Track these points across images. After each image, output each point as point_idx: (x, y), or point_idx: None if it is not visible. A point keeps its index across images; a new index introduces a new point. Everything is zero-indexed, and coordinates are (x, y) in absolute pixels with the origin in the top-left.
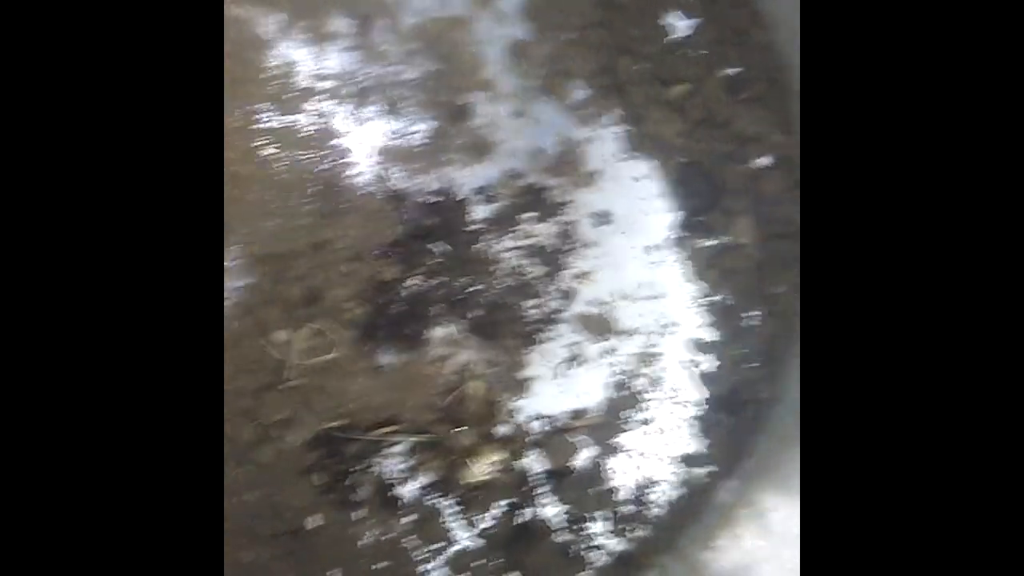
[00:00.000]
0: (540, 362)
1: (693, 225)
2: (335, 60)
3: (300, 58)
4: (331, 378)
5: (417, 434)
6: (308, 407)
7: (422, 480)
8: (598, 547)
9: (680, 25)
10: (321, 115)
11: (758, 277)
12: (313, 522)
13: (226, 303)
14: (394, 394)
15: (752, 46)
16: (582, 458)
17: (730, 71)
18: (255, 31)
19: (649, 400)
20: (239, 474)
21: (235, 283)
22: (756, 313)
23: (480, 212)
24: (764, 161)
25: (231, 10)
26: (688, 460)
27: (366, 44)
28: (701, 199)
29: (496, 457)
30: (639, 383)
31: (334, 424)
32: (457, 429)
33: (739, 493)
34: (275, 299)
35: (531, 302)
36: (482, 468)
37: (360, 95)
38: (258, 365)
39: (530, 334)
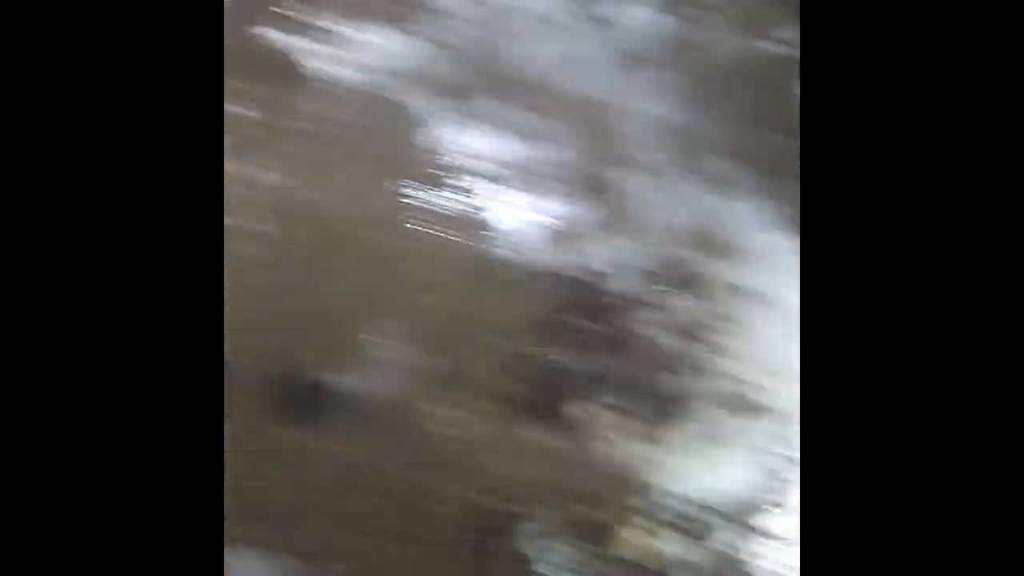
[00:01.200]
0: (679, 438)
1: None
2: (484, 139)
3: (451, 137)
4: (479, 451)
5: (559, 509)
6: (457, 479)
7: (562, 559)
8: None
9: None
10: (469, 192)
11: None
12: None
13: (387, 375)
14: (536, 468)
15: None
16: (718, 539)
17: None
18: (408, 112)
19: (787, 482)
20: (390, 542)
21: (395, 356)
22: None
23: (623, 287)
24: None
25: (390, 95)
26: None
27: (511, 122)
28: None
29: (644, 537)
30: (778, 464)
31: (481, 496)
32: (597, 506)
33: None
34: (426, 372)
35: (671, 377)
36: (634, 544)
37: (508, 172)
38: (410, 436)
39: (670, 410)
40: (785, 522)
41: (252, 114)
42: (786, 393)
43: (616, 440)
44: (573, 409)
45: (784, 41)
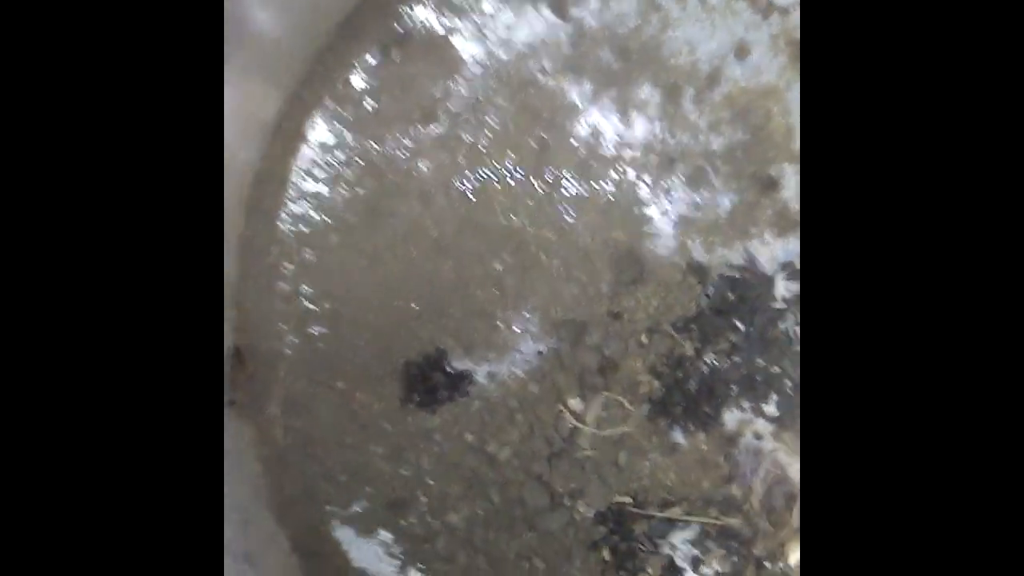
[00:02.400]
0: None
1: None
2: (642, 129)
3: (607, 126)
4: (624, 451)
5: (709, 518)
6: (600, 479)
7: (713, 567)
8: None
9: None
10: (626, 183)
11: None
12: None
13: (524, 366)
14: (686, 474)
15: None
16: None
17: None
18: (566, 99)
19: None
20: (529, 538)
21: (533, 347)
22: None
23: (788, 288)
24: None
25: (543, 79)
26: None
27: (674, 113)
28: None
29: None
30: None
31: (625, 499)
32: (752, 519)
33: None
34: (572, 365)
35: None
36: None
37: (666, 164)
38: (553, 431)
39: None
40: None
41: (398, 93)
42: None
43: (775, 452)
44: (729, 416)
45: None
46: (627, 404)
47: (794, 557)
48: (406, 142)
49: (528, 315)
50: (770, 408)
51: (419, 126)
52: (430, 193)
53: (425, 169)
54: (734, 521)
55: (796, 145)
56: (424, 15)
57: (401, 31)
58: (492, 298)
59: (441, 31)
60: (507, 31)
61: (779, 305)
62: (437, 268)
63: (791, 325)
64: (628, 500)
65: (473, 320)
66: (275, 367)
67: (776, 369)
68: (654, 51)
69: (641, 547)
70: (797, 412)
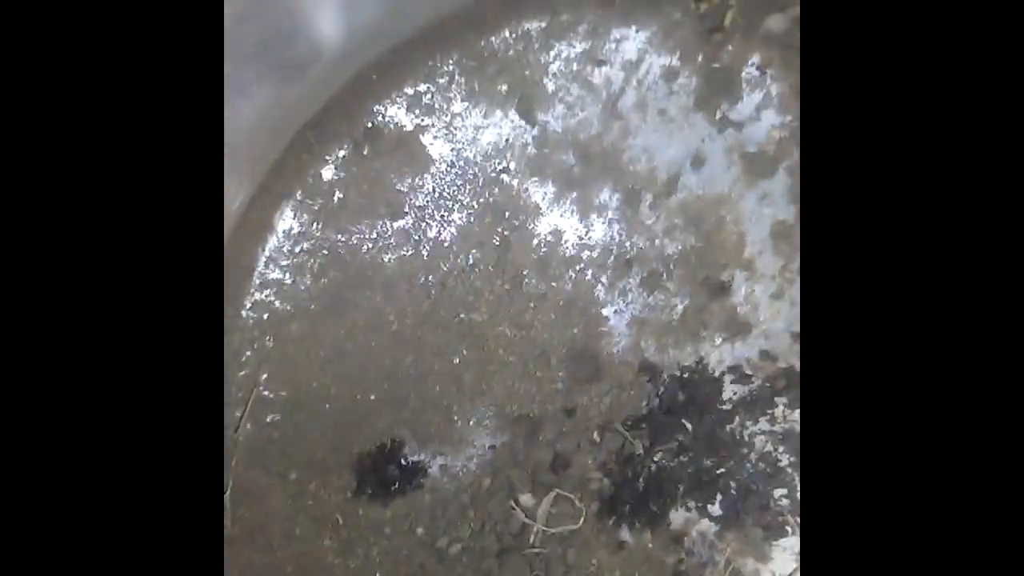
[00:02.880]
0: (786, 556)
1: None
2: (600, 231)
3: (568, 227)
4: (572, 549)
5: None
6: (549, 574)
7: None
8: None
9: None
10: (583, 283)
11: None
12: None
13: (478, 460)
14: (632, 572)
15: None
16: None
17: None
18: (529, 199)
19: None
20: None
21: (487, 441)
22: None
23: (735, 391)
24: None
25: (507, 180)
26: None
27: (632, 217)
28: None
29: None
30: None
31: None
32: None
33: None
34: (525, 461)
35: (781, 491)
36: None
37: (622, 266)
38: (504, 526)
39: (779, 525)
40: None
41: (366, 187)
42: None
43: (719, 551)
44: (676, 515)
45: None
46: (577, 502)
47: None
48: (372, 235)
49: (484, 409)
50: (715, 508)
51: (385, 219)
52: (393, 286)
53: (389, 262)
54: None
55: (747, 252)
56: (395, 112)
57: (372, 127)
58: (449, 392)
59: (411, 128)
60: (475, 132)
61: (726, 407)
62: (397, 360)
63: (737, 427)
64: None
65: (430, 413)
66: (227, 455)
67: (721, 470)
68: (614, 157)
69: None
70: (740, 511)
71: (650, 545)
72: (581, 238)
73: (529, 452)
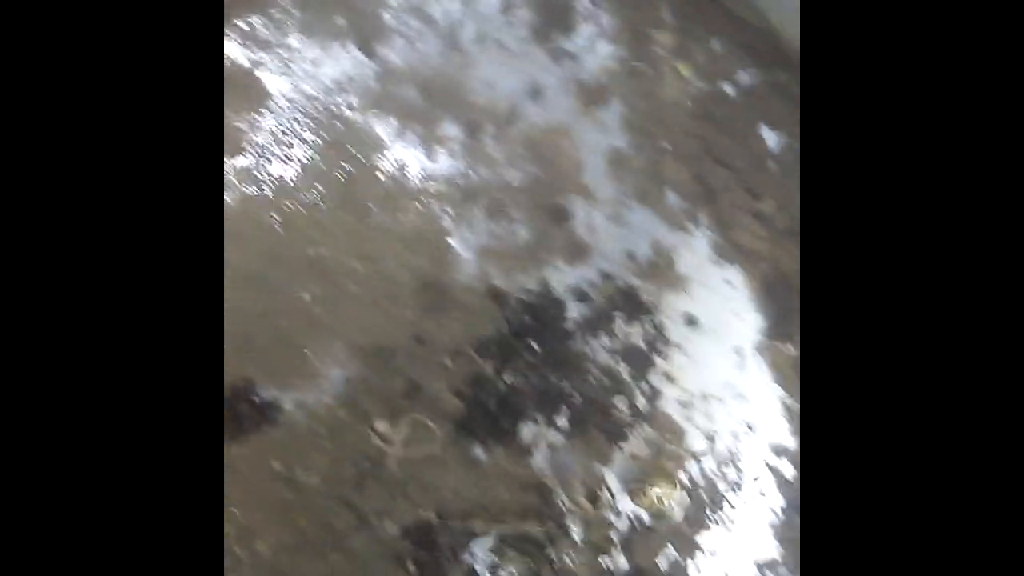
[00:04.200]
0: (624, 460)
1: (780, 329)
2: (445, 163)
3: (412, 160)
4: (430, 469)
5: (507, 526)
6: (406, 496)
7: (510, 570)
8: None
9: (771, 139)
10: (429, 215)
11: None
12: None
13: (332, 392)
14: (487, 486)
15: None
16: (664, 556)
17: None
18: (372, 134)
19: (729, 502)
20: (335, 560)
21: (340, 373)
22: None
23: (576, 311)
24: None
25: (349, 114)
26: (767, 566)
27: (474, 148)
28: (788, 304)
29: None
30: (720, 485)
31: (430, 514)
32: (544, 523)
33: None
34: (378, 390)
35: (620, 400)
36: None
37: (467, 197)
38: (361, 454)
39: (618, 432)
40: (726, 541)
41: None
42: (726, 416)
43: (569, 460)
44: (525, 430)
45: (744, 84)
46: (432, 425)
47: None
48: None
49: (336, 343)
50: (561, 420)
51: (225, 159)
52: (236, 225)
53: (231, 202)
54: (530, 526)
55: (584, 179)
56: (229, 48)
57: None
58: (300, 328)
59: (246, 63)
60: (314, 66)
61: (569, 326)
62: (243, 299)
63: (580, 344)
64: (432, 515)
65: (281, 350)
66: None
67: (567, 385)
68: (456, 90)
69: (443, 559)
70: (585, 421)
71: (502, 460)
72: (426, 170)
73: (383, 381)
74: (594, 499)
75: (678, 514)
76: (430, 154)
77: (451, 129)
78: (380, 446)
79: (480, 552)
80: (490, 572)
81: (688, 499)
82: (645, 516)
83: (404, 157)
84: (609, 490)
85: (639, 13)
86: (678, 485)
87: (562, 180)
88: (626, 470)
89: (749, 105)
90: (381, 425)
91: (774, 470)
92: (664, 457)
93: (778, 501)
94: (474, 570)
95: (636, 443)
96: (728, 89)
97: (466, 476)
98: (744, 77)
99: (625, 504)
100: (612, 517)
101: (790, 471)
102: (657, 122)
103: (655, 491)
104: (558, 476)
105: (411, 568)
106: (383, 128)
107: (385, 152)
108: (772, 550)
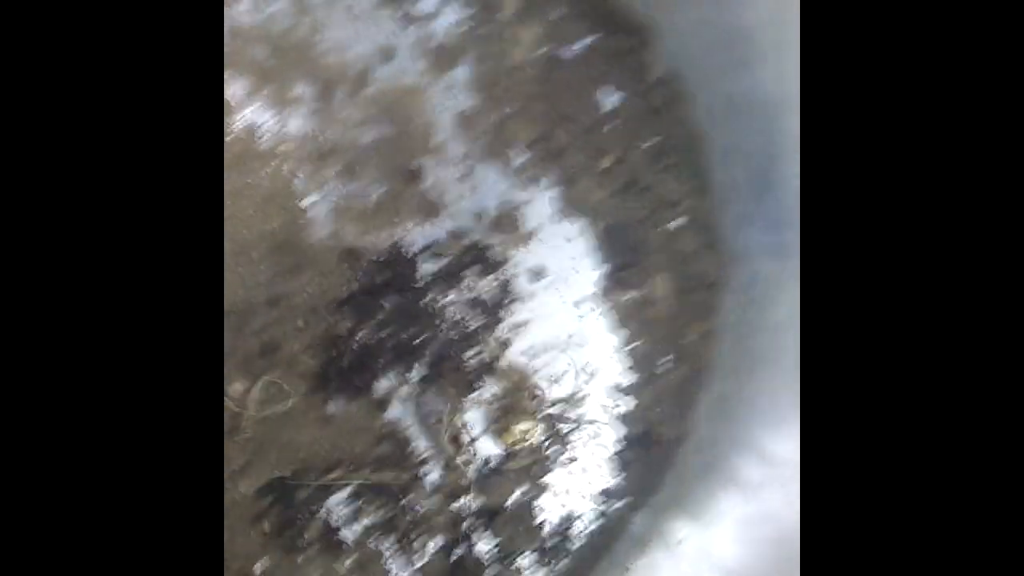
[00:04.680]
0: (478, 408)
1: (617, 280)
2: (296, 124)
3: (263, 121)
4: (285, 428)
5: (362, 478)
6: (262, 456)
7: (365, 522)
8: None
9: (610, 100)
10: (281, 177)
11: (671, 327)
12: (261, 567)
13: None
14: (342, 441)
15: (671, 120)
16: (514, 497)
17: (651, 142)
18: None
19: (574, 441)
20: None
21: None
22: (669, 359)
23: (428, 268)
24: (680, 223)
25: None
26: (607, 494)
27: (326, 109)
28: (624, 257)
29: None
30: (565, 426)
31: (285, 472)
32: (399, 473)
33: (651, 524)
34: (233, 352)
35: (471, 351)
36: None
37: (319, 158)
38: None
39: (470, 382)
40: (571, 478)
41: None
42: (568, 362)
43: (421, 408)
44: (380, 384)
45: (585, 47)
46: (286, 385)
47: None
48: None
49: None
50: (413, 375)
51: None
52: None
53: None
54: (385, 476)
55: (434, 140)
56: None
57: None
58: None
59: None
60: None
61: (420, 284)
62: None
63: (431, 301)
64: (287, 473)
65: None
66: None
67: (418, 340)
68: (306, 51)
69: (300, 515)
70: (437, 375)
71: (357, 415)
72: (277, 132)
73: (236, 344)
74: (450, 444)
75: (526, 456)
76: (281, 115)
77: (303, 90)
78: (234, 408)
79: (336, 506)
80: (346, 524)
81: (545, 433)
82: (496, 460)
83: (254, 119)
84: (466, 434)
85: None
86: (536, 421)
87: (413, 141)
88: (483, 415)
89: (588, 67)
90: (234, 387)
91: (611, 408)
92: (517, 399)
93: (614, 436)
94: (329, 524)
95: (488, 391)
96: (568, 52)
97: (320, 433)
98: (583, 40)
99: (482, 446)
100: (464, 463)
101: (627, 407)
102: (504, 84)
103: (519, 428)
104: (413, 426)
105: (266, 527)
106: (232, 89)
107: (235, 114)
108: (612, 480)
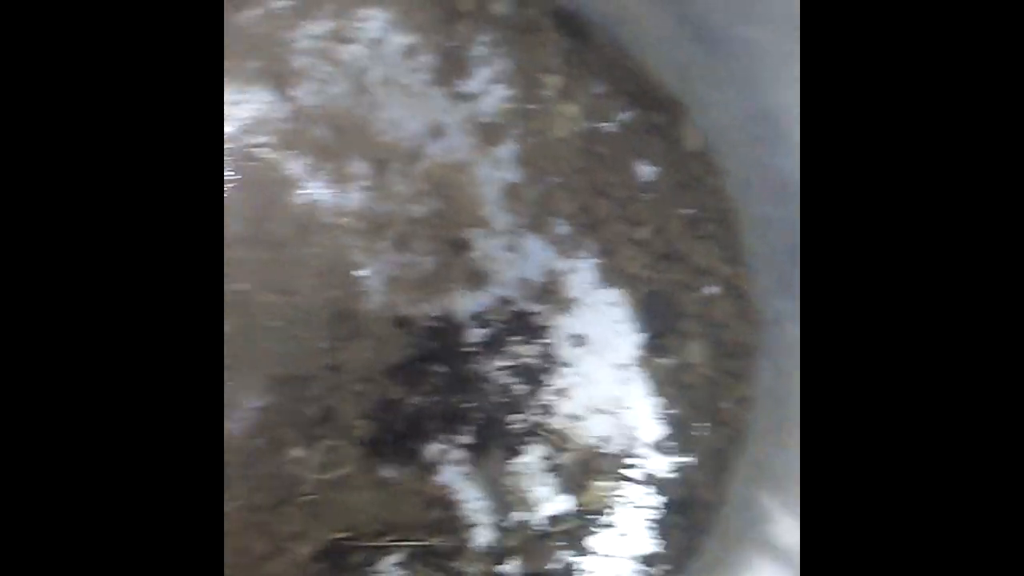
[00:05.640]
0: (523, 472)
1: (655, 346)
2: (354, 198)
3: (323, 196)
4: (341, 492)
5: (415, 541)
6: (318, 520)
7: None
8: None
9: (646, 173)
10: (339, 248)
11: (708, 393)
12: None
13: (248, 422)
14: (395, 505)
15: (705, 191)
16: (557, 560)
17: (686, 213)
18: (286, 171)
19: (614, 505)
20: None
21: (254, 403)
22: (706, 425)
23: (475, 335)
24: (714, 290)
25: (264, 153)
26: (648, 559)
27: (381, 185)
28: (661, 323)
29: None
30: (614, 486)
31: (341, 535)
32: (449, 537)
33: None
34: (293, 418)
35: (516, 417)
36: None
37: (375, 230)
38: (276, 481)
39: (515, 446)
40: (613, 543)
41: None
42: (613, 425)
43: (470, 475)
44: (430, 449)
45: (623, 123)
46: (344, 448)
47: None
48: None
49: (251, 374)
50: (463, 438)
51: None
52: None
53: None
54: (436, 540)
55: (482, 212)
56: None
57: None
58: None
59: None
60: (228, 107)
61: (470, 349)
62: None
63: (479, 366)
64: (344, 535)
65: None
66: None
67: (468, 405)
68: (364, 130)
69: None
70: (485, 438)
71: (409, 478)
72: (337, 206)
73: (297, 409)
74: (496, 509)
75: (569, 521)
76: (340, 190)
77: (360, 166)
78: (295, 472)
79: (390, 568)
80: None
81: (578, 505)
82: (540, 523)
83: (316, 194)
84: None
85: (530, 58)
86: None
87: (462, 213)
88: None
89: (626, 142)
90: (296, 452)
91: (652, 472)
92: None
93: (655, 500)
94: None
95: (529, 457)
96: (608, 127)
97: (376, 496)
98: (622, 116)
99: (544, 507)
100: (512, 527)
101: (665, 472)
102: (547, 158)
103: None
104: (462, 490)
105: None
106: (296, 166)
107: (298, 189)
108: (653, 545)
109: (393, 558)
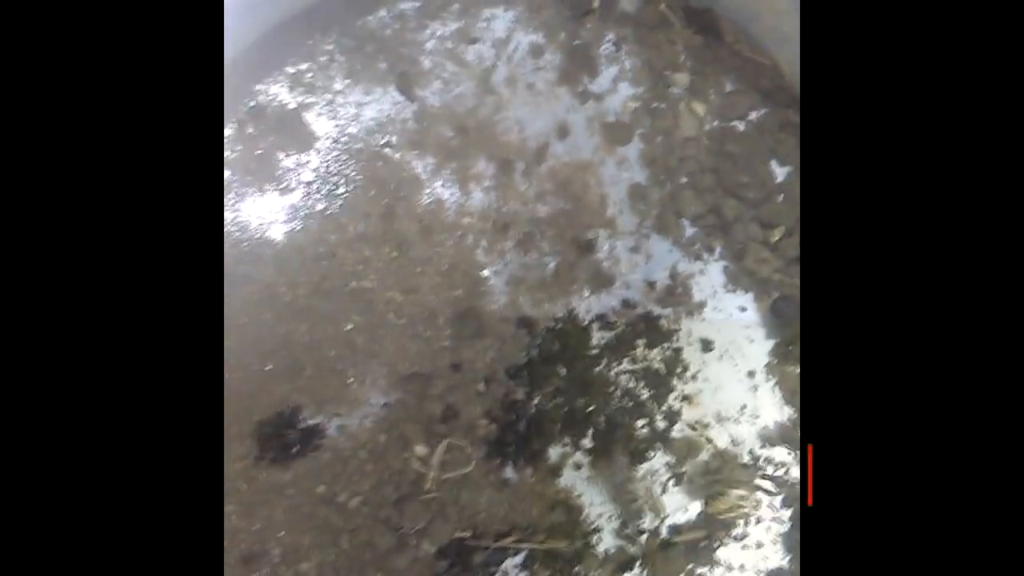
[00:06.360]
0: (647, 479)
1: (784, 354)
2: (478, 198)
3: (448, 196)
4: (464, 490)
5: (537, 543)
6: (443, 517)
7: None
8: None
9: (780, 172)
10: (464, 247)
11: None
12: None
13: (374, 418)
14: (518, 506)
15: None
16: (684, 571)
17: None
18: (411, 171)
19: (743, 516)
20: None
21: (381, 400)
22: None
23: (599, 338)
24: None
25: (390, 153)
26: (778, 575)
27: (506, 184)
28: (792, 330)
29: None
30: (736, 497)
31: (464, 533)
32: (571, 540)
33: None
34: (418, 415)
35: (641, 422)
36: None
37: (499, 230)
38: (401, 477)
39: (640, 452)
40: (742, 555)
41: (253, 165)
42: (742, 434)
43: (591, 479)
44: (555, 452)
45: (755, 121)
46: (467, 447)
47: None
48: (260, 211)
49: (377, 370)
50: (586, 442)
51: (274, 195)
52: (284, 259)
53: (281, 238)
54: (558, 543)
55: (608, 212)
56: (277, 91)
57: (255, 106)
58: (343, 356)
59: (294, 106)
60: (357, 108)
61: (594, 351)
62: (291, 330)
63: (604, 368)
64: (467, 534)
65: (325, 377)
66: None
67: (592, 408)
68: (489, 129)
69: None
70: (608, 443)
71: (532, 480)
72: (461, 205)
73: (421, 406)
74: (620, 515)
75: (696, 530)
76: (464, 190)
77: (484, 166)
78: (419, 469)
79: (511, 569)
80: None
81: (705, 514)
82: (665, 532)
83: (441, 193)
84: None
85: (658, 55)
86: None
87: (587, 214)
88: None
89: (758, 140)
90: (419, 448)
91: (786, 483)
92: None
93: (786, 513)
94: None
95: (655, 463)
96: (739, 126)
97: (498, 496)
98: (753, 114)
99: (645, 520)
100: (636, 533)
101: (796, 482)
102: (675, 158)
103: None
104: (585, 493)
105: None
106: (421, 166)
107: (423, 188)
108: (784, 559)
109: (515, 559)
